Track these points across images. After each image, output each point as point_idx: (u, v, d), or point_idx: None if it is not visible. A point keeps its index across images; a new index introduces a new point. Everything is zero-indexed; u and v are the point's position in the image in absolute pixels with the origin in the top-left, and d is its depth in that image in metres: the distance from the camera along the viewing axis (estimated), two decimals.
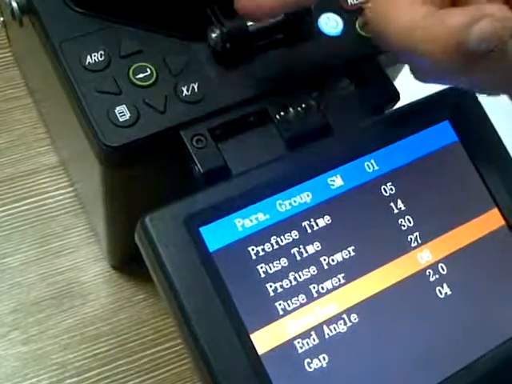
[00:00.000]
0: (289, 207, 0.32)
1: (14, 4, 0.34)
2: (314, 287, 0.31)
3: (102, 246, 0.48)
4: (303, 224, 0.32)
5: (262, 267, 0.31)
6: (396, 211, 0.33)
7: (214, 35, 0.33)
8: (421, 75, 0.29)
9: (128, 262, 0.49)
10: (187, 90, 0.33)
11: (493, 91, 0.29)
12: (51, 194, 0.51)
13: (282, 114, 0.34)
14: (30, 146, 0.53)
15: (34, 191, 0.51)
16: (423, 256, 0.33)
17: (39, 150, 0.53)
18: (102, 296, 0.49)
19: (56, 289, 0.49)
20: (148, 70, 0.33)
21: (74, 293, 0.49)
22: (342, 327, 0.31)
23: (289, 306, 0.31)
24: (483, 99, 0.36)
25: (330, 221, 0.32)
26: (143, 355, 0.48)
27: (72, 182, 0.52)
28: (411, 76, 0.29)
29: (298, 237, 0.31)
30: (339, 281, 0.32)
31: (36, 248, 0.50)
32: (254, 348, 0.30)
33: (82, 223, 0.51)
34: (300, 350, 0.30)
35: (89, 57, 0.33)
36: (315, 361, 0.30)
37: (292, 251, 0.31)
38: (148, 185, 0.36)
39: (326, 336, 0.31)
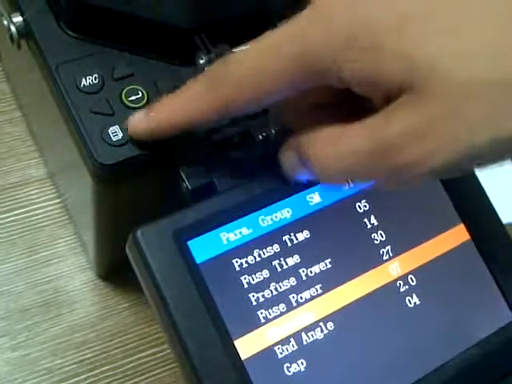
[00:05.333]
0: (270, 222, 0.34)
1: (13, 28, 0.36)
2: (293, 297, 0.33)
3: (90, 256, 0.50)
4: (284, 238, 0.34)
5: (245, 278, 0.33)
6: (369, 226, 0.36)
7: (201, 61, 0.35)
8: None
9: (113, 271, 0.51)
10: None
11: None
12: (39, 206, 0.53)
13: (263, 134, 0.36)
14: (19, 159, 0.54)
15: (23, 202, 0.53)
16: (394, 268, 0.36)
17: (28, 162, 0.54)
18: (88, 304, 0.51)
19: (44, 297, 0.50)
20: (139, 92, 0.35)
21: (61, 301, 0.50)
22: (319, 334, 0.33)
23: (270, 315, 0.33)
24: None
25: (309, 235, 0.34)
26: (127, 361, 0.50)
27: (60, 194, 0.53)
28: None
29: (278, 250, 0.34)
30: (316, 291, 0.34)
31: (24, 257, 0.51)
32: (238, 353, 0.32)
33: (69, 234, 0.52)
34: (280, 356, 0.33)
35: (84, 79, 0.34)
36: (294, 365, 0.33)
37: (273, 263, 0.33)
38: (137, 199, 0.37)
39: (304, 342, 0.33)
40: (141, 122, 0.32)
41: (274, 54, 0.27)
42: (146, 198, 0.37)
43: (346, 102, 0.29)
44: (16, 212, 0.53)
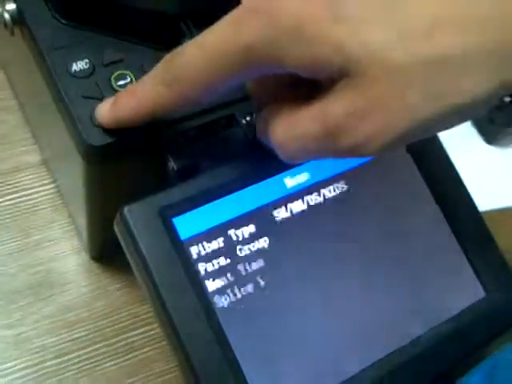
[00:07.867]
0: None
1: (7, 15, 0.37)
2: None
3: (83, 238, 0.51)
4: None
5: None
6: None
7: None
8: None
9: (106, 254, 0.52)
10: None
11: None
12: (34, 190, 0.54)
13: (247, 118, 0.37)
14: (14, 145, 0.55)
15: (18, 187, 0.54)
16: None
17: (23, 148, 0.55)
18: (81, 285, 0.52)
19: (37, 278, 0.51)
20: (128, 77, 0.36)
21: (55, 282, 0.52)
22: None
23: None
24: None
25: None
26: (119, 339, 0.51)
27: (54, 179, 0.54)
28: None
29: None
30: None
31: (19, 240, 0.52)
32: (221, 324, 0.34)
33: (63, 217, 0.54)
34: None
35: (74, 65, 0.36)
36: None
37: None
38: (126, 180, 0.39)
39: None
40: (106, 111, 0.33)
41: (218, 47, 0.28)
42: (135, 178, 0.39)
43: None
44: (11, 197, 0.54)
